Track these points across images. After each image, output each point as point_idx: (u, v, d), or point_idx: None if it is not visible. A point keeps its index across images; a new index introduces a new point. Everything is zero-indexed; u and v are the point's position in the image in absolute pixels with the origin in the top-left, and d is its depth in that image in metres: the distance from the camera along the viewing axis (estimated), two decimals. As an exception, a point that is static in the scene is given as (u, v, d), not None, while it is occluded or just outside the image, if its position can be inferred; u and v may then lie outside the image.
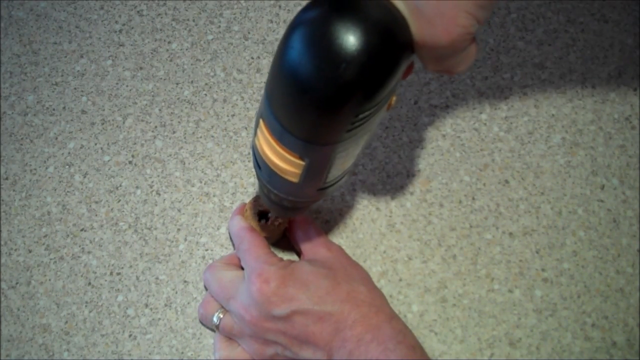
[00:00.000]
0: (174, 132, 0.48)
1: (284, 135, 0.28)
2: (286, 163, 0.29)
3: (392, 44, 0.25)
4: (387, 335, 0.34)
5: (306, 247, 0.41)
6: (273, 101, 0.27)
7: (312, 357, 0.35)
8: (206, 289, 0.42)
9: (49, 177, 0.46)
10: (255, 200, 0.42)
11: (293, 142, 0.28)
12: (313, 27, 0.24)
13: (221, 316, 0.39)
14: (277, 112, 0.27)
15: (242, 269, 0.40)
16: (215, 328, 0.39)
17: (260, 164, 0.32)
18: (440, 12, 0.25)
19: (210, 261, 0.44)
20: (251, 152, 0.34)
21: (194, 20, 0.52)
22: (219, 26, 0.52)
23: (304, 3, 0.53)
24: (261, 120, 0.30)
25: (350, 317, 0.34)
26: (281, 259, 0.38)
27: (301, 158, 0.29)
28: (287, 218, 0.42)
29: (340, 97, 0.25)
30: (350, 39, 0.24)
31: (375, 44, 0.24)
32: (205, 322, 0.41)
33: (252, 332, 0.37)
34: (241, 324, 0.37)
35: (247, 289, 0.36)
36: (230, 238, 0.44)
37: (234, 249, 0.42)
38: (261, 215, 0.42)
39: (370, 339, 0.33)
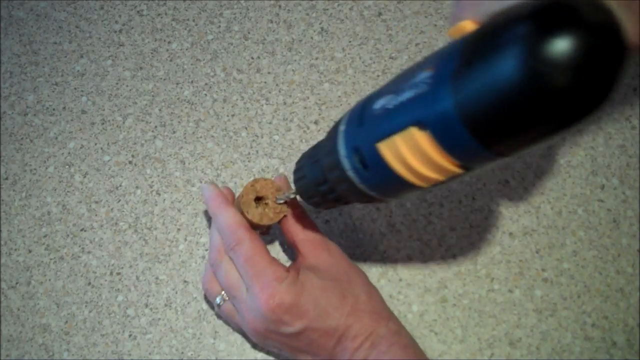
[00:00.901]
0: (174, 132, 0.48)
1: (469, 147, 0.26)
2: (436, 172, 0.28)
3: (618, 48, 0.24)
4: (382, 338, 0.35)
5: (306, 248, 0.39)
6: (474, 115, 0.25)
7: None
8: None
9: (49, 177, 0.46)
10: (252, 185, 0.39)
11: (476, 154, 0.26)
12: (532, 39, 0.23)
13: (226, 298, 0.38)
14: (476, 126, 0.25)
15: None
16: (216, 307, 0.39)
17: (370, 165, 0.29)
18: None
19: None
20: (344, 150, 0.31)
21: (194, 20, 0.52)
22: (219, 26, 0.52)
23: (304, 3, 0.53)
24: (415, 128, 0.27)
25: (353, 329, 0.35)
26: (285, 268, 0.37)
27: (463, 168, 0.27)
28: (286, 207, 0.39)
29: (568, 110, 0.23)
30: (579, 48, 0.22)
31: (604, 50, 0.23)
32: (208, 297, 0.40)
33: (254, 335, 0.37)
34: (243, 322, 0.37)
35: (254, 304, 0.35)
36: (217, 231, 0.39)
37: (224, 246, 0.38)
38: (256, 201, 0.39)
39: (368, 346, 0.35)
